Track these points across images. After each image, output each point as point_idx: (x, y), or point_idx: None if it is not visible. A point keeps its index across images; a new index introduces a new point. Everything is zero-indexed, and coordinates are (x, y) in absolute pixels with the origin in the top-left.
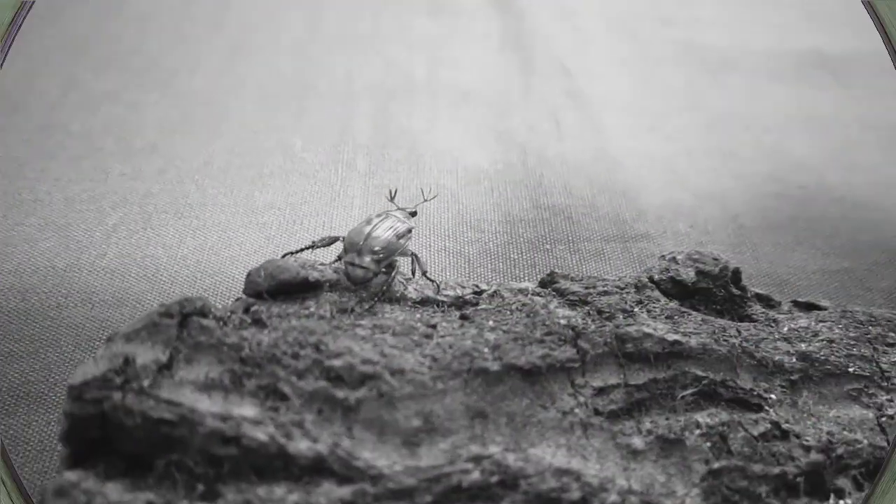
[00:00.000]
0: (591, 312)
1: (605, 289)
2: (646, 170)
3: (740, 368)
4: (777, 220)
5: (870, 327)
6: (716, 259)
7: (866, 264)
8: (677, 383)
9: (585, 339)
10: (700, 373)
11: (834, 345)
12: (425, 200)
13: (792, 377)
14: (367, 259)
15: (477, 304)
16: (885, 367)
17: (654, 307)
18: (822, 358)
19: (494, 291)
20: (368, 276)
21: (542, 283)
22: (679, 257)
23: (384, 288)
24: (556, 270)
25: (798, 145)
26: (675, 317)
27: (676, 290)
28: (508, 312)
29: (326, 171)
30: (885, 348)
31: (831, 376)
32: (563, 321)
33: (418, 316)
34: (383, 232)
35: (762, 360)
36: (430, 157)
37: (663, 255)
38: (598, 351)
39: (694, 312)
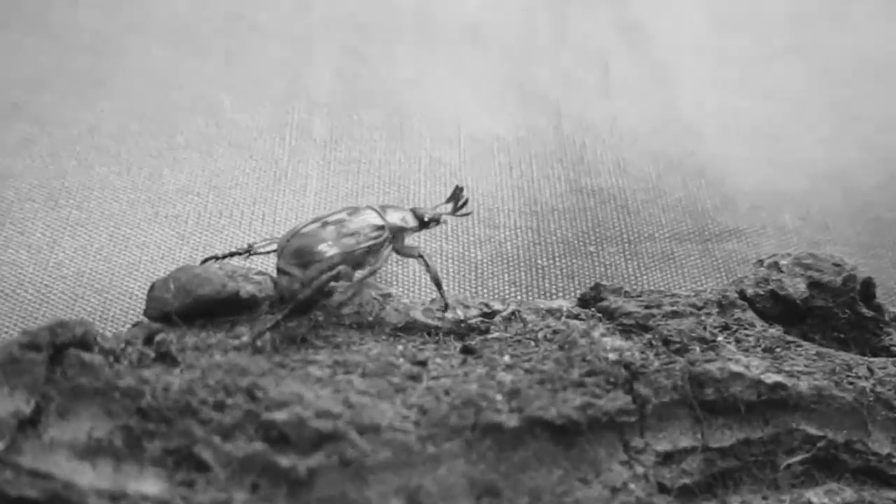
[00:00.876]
0: (653, 343)
1: (675, 308)
2: (734, 138)
3: (873, 424)
4: None
5: None
6: (837, 265)
7: None
8: (780, 446)
9: (645, 382)
10: (814, 431)
11: None
12: (457, 211)
13: None
14: (292, 265)
15: (487, 331)
16: None
17: (747, 335)
18: None
19: (513, 313)
20: (294, 287)
21: (583, 301)
22: (783, 263)
23: (301, 297)
24: (604, 283)
25: None
26: (778, 349)
27: (779, 310)
28: (533, 343)
29: (268, 140)
30: None
31: None
32: (612, 356)
33: (400, 348)
34: (320, 229)
35: None
36: (421, 120)
37: (760, 260)
38: (664, 399)
39: (805, 343)
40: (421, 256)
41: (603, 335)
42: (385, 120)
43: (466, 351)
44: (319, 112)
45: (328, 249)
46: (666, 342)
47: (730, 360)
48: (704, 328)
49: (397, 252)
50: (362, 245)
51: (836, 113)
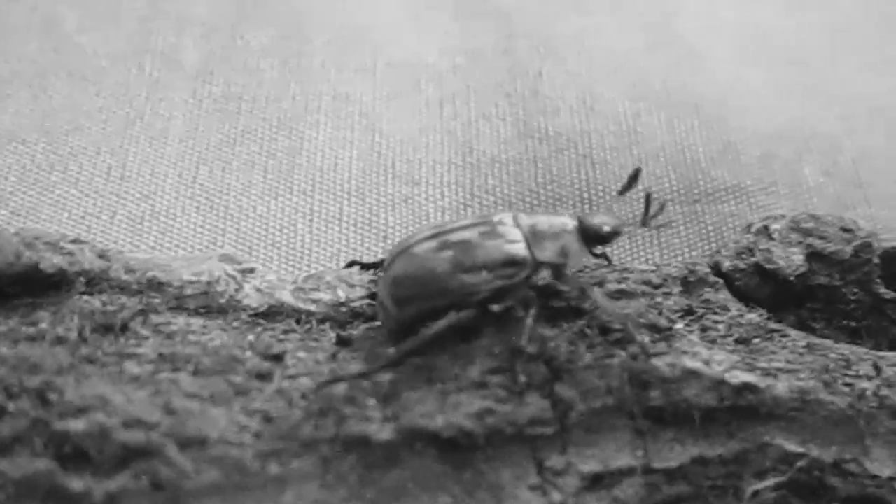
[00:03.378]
0: (587, 332)
1: (623, 287)
2: (746, 64)
3: (872, 439)
4: None
5: None
6: (847, 230)
7: None
8: (747, 467)
9: (571, 383)
10: (793, 447)
11: None
12: (647, 220)
13: None
14: (385, 293)
15: (375, 317)
16: None
17: (717, 321)
18: None
19: None
20: (389, 324)
21: None
22: (775, 227)
23: (398, 354)
24: None
25: None
26: (756, 339)
27: (768, 289)
28: None
29: (122, 71)
30: None
31: None
32: (530, 348)
33: (251, 339)
34: (436, 252)
35: None
36: (327, 43)
37: (749, 226)
38: (595, 404)
39: (794, 332)
40: (584, 291)
41: (517, 320)
42: (279, 43)
43: (342, 342)
44: (193, 33)
45: (437, 286)
46: (604, 331)
47: (685, 353)
48: (660, 312)
49: (556, 281)
50: (487, 287)
51: (893, 32)
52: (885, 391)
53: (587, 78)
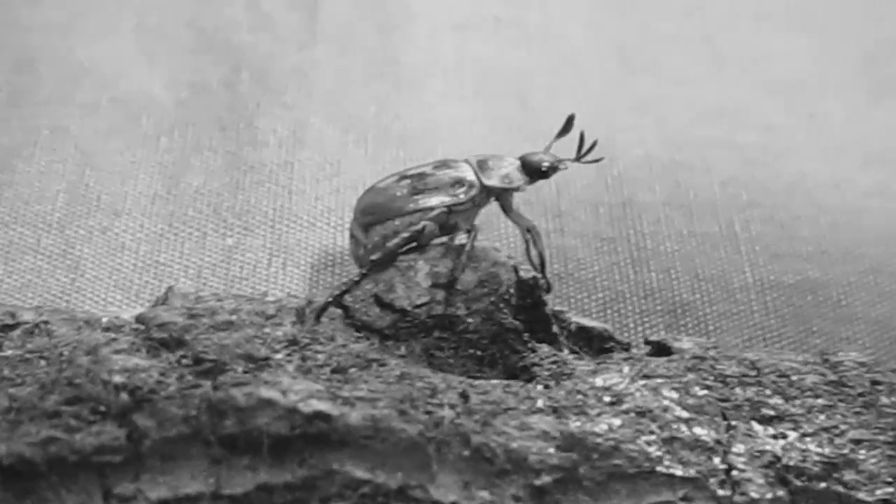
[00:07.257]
0: (182, 362)
1: (233, 318)
2: (461, 97)
3: (440, 465)
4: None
5: (737, 388)
6: (476, 261)
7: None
8: (314, 493)
9: (150, 412)
10: (360, 474)
11: (645, 420)
12: (583, 157)
13: (539, 480)
14: (355, 225)
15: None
16: (737, 459)
17: (318, 351)
18: (610, 445)
19: (38, 324)
20: (358, 253)
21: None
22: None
23: (373, 259)
24: (175, 284)
25: None
26: (353, 369)
27: (391, 318)
28: (44, 363)
29: None
30: (751, 426)
31: (622, 479)
32: (118, 378)
33: None
34: (395, 183)
35: (486, 449)
36: (55, 80)
37: None
38: (170, 433)
39: (394, 362)
40: (529, 231)
41: (116, 352)
42: (9, 78)
43: None
44: None
45: (397, 207)
46: (198, 361)
47: (266, 383)
48: (264, 343)
49: (506, 215)
50: (438, 205)
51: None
52: (462, 419)
53: (302, 110)
